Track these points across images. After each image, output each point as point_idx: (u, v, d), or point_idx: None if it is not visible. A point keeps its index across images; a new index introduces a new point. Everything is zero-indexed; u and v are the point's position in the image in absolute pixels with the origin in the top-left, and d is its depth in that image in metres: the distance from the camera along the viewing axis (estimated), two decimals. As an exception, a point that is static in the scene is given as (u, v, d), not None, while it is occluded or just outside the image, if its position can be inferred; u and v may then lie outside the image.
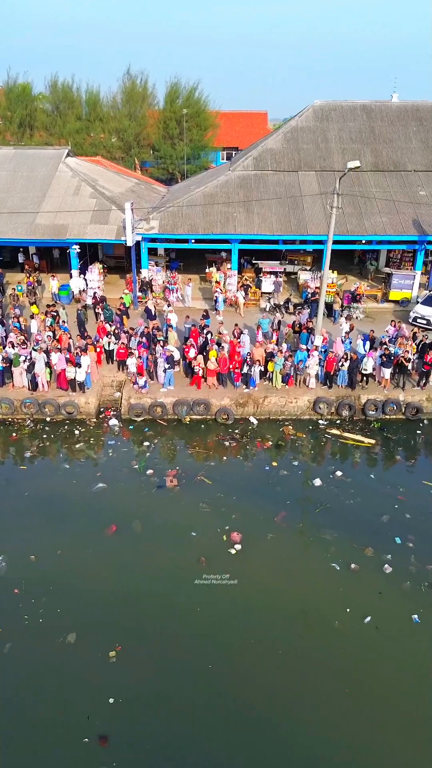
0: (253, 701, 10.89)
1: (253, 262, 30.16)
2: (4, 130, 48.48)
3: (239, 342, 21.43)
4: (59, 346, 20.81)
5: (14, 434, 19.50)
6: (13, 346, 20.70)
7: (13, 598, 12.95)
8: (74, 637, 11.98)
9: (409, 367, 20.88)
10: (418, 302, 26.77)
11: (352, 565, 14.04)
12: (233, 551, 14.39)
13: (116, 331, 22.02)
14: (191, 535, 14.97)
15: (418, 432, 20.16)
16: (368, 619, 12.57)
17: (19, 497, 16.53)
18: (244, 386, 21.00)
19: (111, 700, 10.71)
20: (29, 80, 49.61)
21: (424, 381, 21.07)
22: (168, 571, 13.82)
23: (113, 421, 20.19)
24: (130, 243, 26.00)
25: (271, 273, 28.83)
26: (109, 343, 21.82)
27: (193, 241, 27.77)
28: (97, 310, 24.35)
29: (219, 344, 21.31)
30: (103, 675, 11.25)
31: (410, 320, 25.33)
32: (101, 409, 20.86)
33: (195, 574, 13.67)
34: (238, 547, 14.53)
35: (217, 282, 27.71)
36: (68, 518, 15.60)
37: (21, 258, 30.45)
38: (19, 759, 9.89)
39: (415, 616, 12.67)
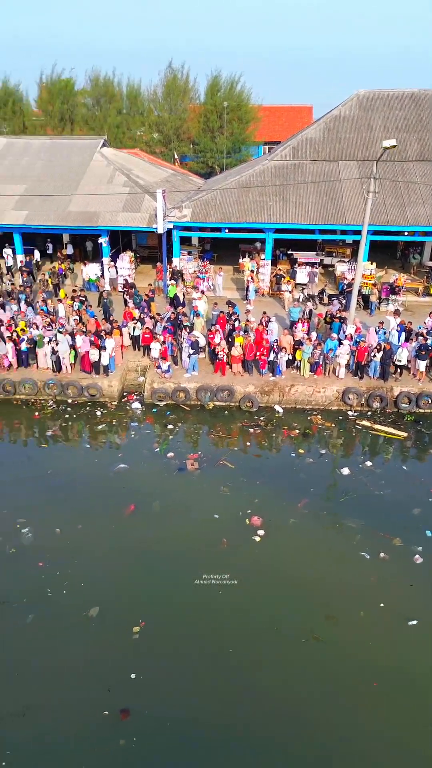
0: (273, 687, 10.47)
1: (288, 252, 29.42)
2: (45, 124, 49.17)
3: (267, 329, 20.78)
4: (84, 329, 20.63)
5: (37, 414, 19.43)
6: (37, 328, 20.64)
7: (38, 570, 12.90)
8: (97, 611, 11.86)
9: (446, 358, 19.77)
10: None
11: (381, 554, 13.31)
12: (257, 538, 13.87)
13: (141, 317, 21.73)
14: (214, 517, 14.62)
15: (454, 426, 19.07)
16: (412, 621, 11.74)
17: (42, 474, 16.44)
18: (270, 374, 20.32)
19: (132, 676, 10.52)
20: (72, 76, 50.24)
21: (461, 374, 19.90)
22: (190, 551, 13.50)
23: (136, 405, 19.89)
24: (160, 230, 25.70)
25: (306, 264, 28.04)
26: (134, 328, 21.53)
27: (226, 230, 27.27)
28: (125, 297, 24.15)
29: (246, 331, 20.72)
30: (125, 650, 11.07)
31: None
32: (124, 393, 20.60)
33: (217, 555, 13.40)
34: (261, 532, 14.02)
35: (251, 272, 27.15)
36: (89, 496, 15.49)
37: (50, 248, 30.56)
38: (40, 728, 9.76)
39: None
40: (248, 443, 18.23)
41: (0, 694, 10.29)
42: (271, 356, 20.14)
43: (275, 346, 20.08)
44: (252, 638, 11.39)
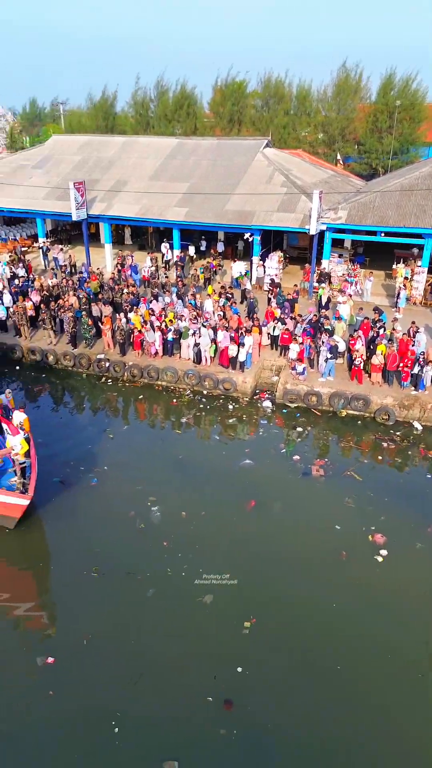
0: (376, 709, 10.06)
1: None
2: (215, 126, 51.16)
3: (414, 340, 19.63)
4: (226, 325, 21.23)
5: (174, 401, 20.45)
6: (184, 320, 21.67)
7: (162, 548, 13.55)
8: (211, 599, 12.11)
9: None
10: None
11: None
12: (379, 558, 13.29)
13: (282, 317, 21.78)
14: (335, 527, 14.31)
15: None
16: None
17: (174, 458, 17.25)
18: (413, 387, 19.18)
19: (239, 669, 10.65)
20: (246, 78, 51.59)
21: None
22: (307, 557, 13.36)
23: (266, 403, 20.03)
24: (313, 231, 25.46)
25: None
26: (274, 327, 21.66)
27: (382, 234, 26.22)
28: (269, 296, 24.38)
29: (390, 340, 19.78)
30: (234, 643, 11.23)
31: None
32: (256, 391, 20.84)
33: (334, 565, 13.15)
34: (384, 552, 13.42)
35: (404, 278, 25.84)
36: (214, 485, 15.95)
37: (203, 245, 31.81)
38: (148, 698, 10.18)
39: None
40: (379, 457, 17.43)
41: (117, 657, 10.91)
42: (416, 369, 19.00)
43: (421, 359, 18.90)
44: (362, 658, 10.95)
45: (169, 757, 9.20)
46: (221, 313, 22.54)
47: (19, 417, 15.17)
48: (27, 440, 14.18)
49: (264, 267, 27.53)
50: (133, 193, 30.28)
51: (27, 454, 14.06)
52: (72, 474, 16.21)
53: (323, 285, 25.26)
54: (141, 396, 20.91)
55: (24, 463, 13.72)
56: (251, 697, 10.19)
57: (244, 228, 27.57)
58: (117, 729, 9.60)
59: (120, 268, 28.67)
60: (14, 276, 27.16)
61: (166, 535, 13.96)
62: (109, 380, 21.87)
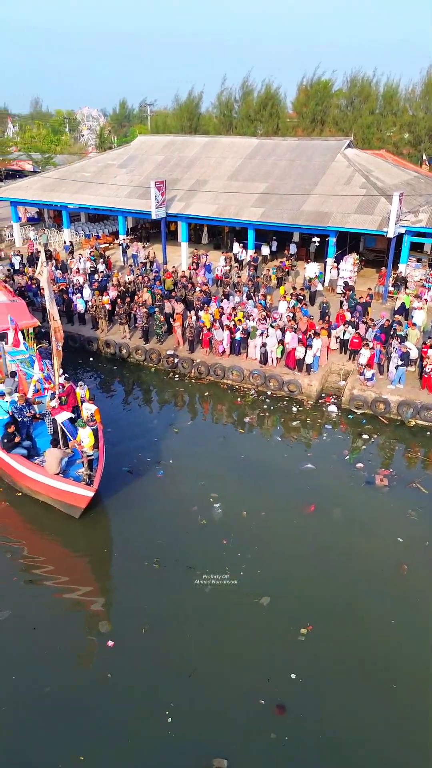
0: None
1: None
2: (297, 126, 50.90)
3: None
4: (295, 326, 21.19)
5: (239, 400, 20.69)
6: (253, 320, 21.83)
7: (221, 546, 13.62)
8: (267, 602, 12.08)
9: None
10: None
11: None
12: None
13: (353, 320, 21.43)
14: (397, 539, 13.98)
15: None
16: None
17: (236, 457, 17.41)
18: None
19: (293, 676, 10.60)
20: (332, 78, 50.96)
21: None
22: (366, 567, 13.14)
23: (332, 408, 19.82)
24: (390, 234, 24.85)
25: None
26: (344, 331, 21.37)
27: (465, 238, 25.17)
28: (342, 299, 24.06)
29: (467, 349, 18.99)
30: (289, 648, 11.16)
31: None
32: (322, 395, 20.66)
33: (395, 578, 12.85)
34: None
35: None
36: (275, 487, 15.97)
37: (274, 245, 31.77)
38: (200, 693, 10.30)
39: None
40: (449, 471, 16.82)
41: (173, 649, 11.04)
42: None
43: None
44: (420, 676, 10.62)
45: (219, 754, 9.25)
46: (290, 314, 22.53)
47: (89, 408, 15.52)
48: (95, 432, 14.66)
49: (338, 269, 27.16)
50: (210, 193, 30.77)
51: (95, 447, 14.49)
52: (140, 464, 16.75)
53: (403, 290, 24.57)
54: (206, 393, 21.29)
55: (91, 455, 14.12)
56: (304, 705, 10.09)
57: (320, 229, 27.32)
58: (170, 719, 9.76)
59: (194, 266, 29.23)
60: (94, 271, 28.38)
61: (226, 532, 14.09)
62: (177, 376, 22.42)
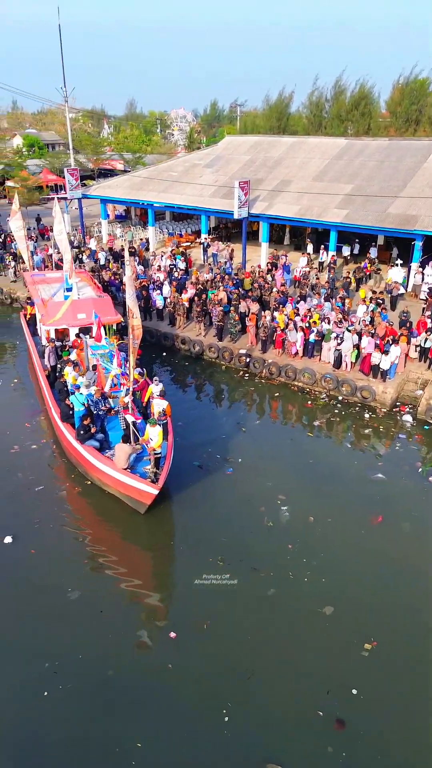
0: None
1: None
2: (389, 126, 49.39)
3: None
4: (372, 331, 20.61)
5: (309, 402, 20.44)
6: (329, 322, 21.47)
7: (286, 550, 13.51)
8: (330, 611, 11.86)
9: None
10: None
11: None
12: None
13: (437, 328, 20.50)
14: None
15: None
16: None
17: (304, 460, 17.20)
18: None
19: (354, 691, 10.33)
20: (430, 76, 48.96)
21: None
22: None
23: (407, 417, 19.12)
24: None
25: None
26: (426, 339, 20.51)
27: None
28: (423, 305, 23.11)
29: None
30: (352, 662, 10.87)
31: None
32: (397, 403, 19.96)
33: None
34: None
35: None
36: (343, 494, 15.65)
37: (356, 248, 31.03)
38: (259, 696, 10.22)
39: None
40: None
41: (232, 649, 11.06)
42: None
43: None
44: None
45: (274, 759, 9.13)
46: (368, 319, 21.93)
47: (160, 404, 15.50)
48: (165, 428, 14.56)
49: (423, 274, 26.10)
50: (293, 194, 30.53)
51: (163, 444, 14.41)
52: (209, 460, 16.88)
53: None
54: (276, 394, 21.18)
55: (159, 453, 14.05)
56: (364, 722, 9.79)
57: (405, 232, 26.36)
58: (227, 718, 9.76)
59: (271, 267, 29.12)
60: (174, 269, 28.99)
61: (292, 537, 13.87)
62: (248, 375, 22.46)
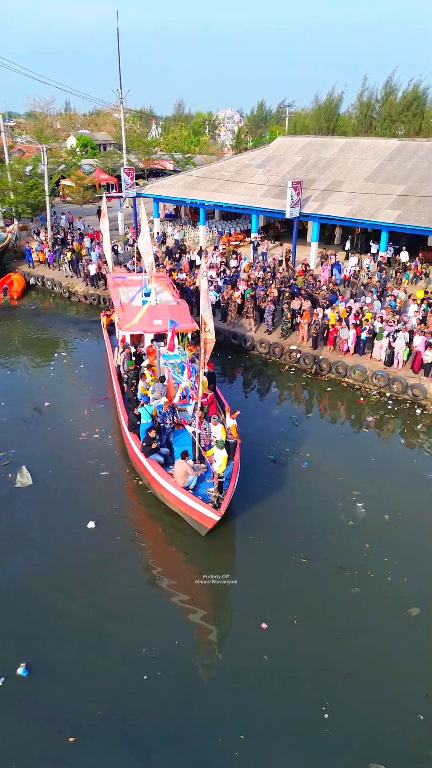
0: None
1: None
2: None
3: None
4: (424, 330, 20.81)
5: (361, 399, 20.77)
6: (381, 321, 21.76)
7: (364, 549, 13.47)
8: (417, 612, 11.74)
9: None
10: None
11: None
12: None
13: None
14: None
15: None
16: None
17: (362, 457, 17.31)
18: None
19: None
20: None
21: None
22: None
23: (458, 416, 19.29)
24: None
25: None
26: None
27: None
28: None
29: None
30: None
31: None
32: (448, 402, 20.12)
33: None
34: None
35: None
36: (407, 492, 15.69)
37: (404, 256, 30.98)
38: (357, 694, 10.17)
39: None
40: None
41: (324, 645, 11.06)
42: None
43: None
44: None
45: (375, 759, 9.10)
46: (420, 317, 22.12)
47: (228, 422, 14.73)
48: (230, 448, 13.79)
49: None
50: (345, 194, 30.79)
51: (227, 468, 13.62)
52: (281, 454, 17.00)
53: None
54: (328, 389, 21.58)
55: (222, 478, 13.34)
56: None
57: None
58: (326, 715, 9.75)
59: (321, 263, 29.47)
60: (226, 266, 29.70)
61: (369, 536, 13.83)
62: (298, 371, 22.91)
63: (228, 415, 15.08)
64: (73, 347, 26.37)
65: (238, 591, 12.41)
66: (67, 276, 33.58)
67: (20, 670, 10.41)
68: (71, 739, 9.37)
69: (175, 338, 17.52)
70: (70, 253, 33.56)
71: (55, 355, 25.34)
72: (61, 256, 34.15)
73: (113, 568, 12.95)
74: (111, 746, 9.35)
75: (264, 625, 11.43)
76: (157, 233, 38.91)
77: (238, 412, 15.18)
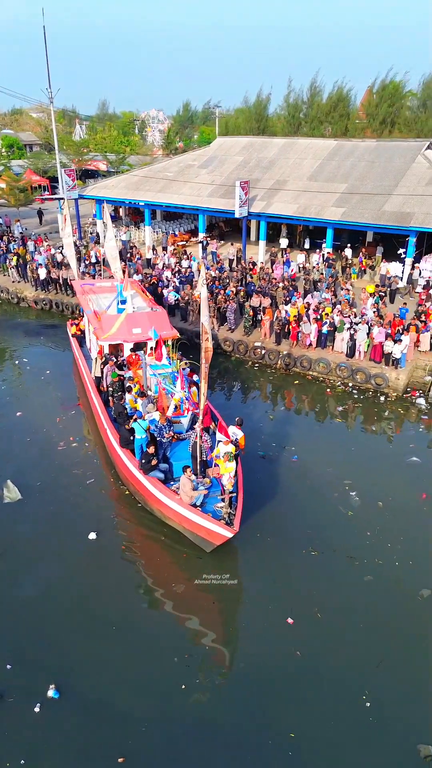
0: None
1: None
2: (366, 127, 51.18)
3: None
4: (381, 322, 22.03)
5: (329, 390, 21.67)
6: (340, 314, 22.79)
7: (365, 537, 13.90)
8: (429, 593, 12.10)
9: None
10: None
11: None
12: None
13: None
14: None
15: None
16: None
17: (343, 446, 18.02)
18: None
19: None
20: (405, 79, 50.96)
21: None
22: None
23: (420, 401, 20.60)
24: (475, 235, 25.27)
25: None
26: None
27: None
28: (422, 296, 24.71)
29: None
30: None
31: None
32: (407, 389, 21.40)
33: None
34: None
35: None
36: (388, 476, 16.32)
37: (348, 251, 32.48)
38: (388, 681, 10.37)
39: None
40: None
41: (353, 635, 11.31)
42: None
43: None
44: None
45: (423, 741, 9.33)
46: (375, 310, 23.36)
47: (236, 434, 13.97)
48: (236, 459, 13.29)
49: (420, 269, 27.73)
50: (290, 193, 31.81)
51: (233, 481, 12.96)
52: (269, 449, 17.36)
53: None
54: (295, 382, 22.37)
55: (233, 492, 12.71)
56: None
57: (402, 229, 27.94)
58: (368, 704, 9.94)
59: (272, 261, 30.32)
60: (180, 265, 29.89)
61: (367, 524, 14.24)
62: (263, 367, 23.57)
63: (234, 426, 14.30)
64: (33, 354, 25.68)
65: (258, 590, 12.55)
66: (14, 281, 32.55)
67: (51, 692, 10.16)
68: (120, 760, 9.21)
69: (162, 347, 17.21)
70: (15, 257, 32.54)
71: (16, 362, 24.64)
72: (6, 261, 33.05)
73: (127, 576, 12.89)
74: (166, 760, 9.26)
75: (290, 620, 11.62)
76: (93, 233, 38.37)
77: (240, 419, 14.80)
